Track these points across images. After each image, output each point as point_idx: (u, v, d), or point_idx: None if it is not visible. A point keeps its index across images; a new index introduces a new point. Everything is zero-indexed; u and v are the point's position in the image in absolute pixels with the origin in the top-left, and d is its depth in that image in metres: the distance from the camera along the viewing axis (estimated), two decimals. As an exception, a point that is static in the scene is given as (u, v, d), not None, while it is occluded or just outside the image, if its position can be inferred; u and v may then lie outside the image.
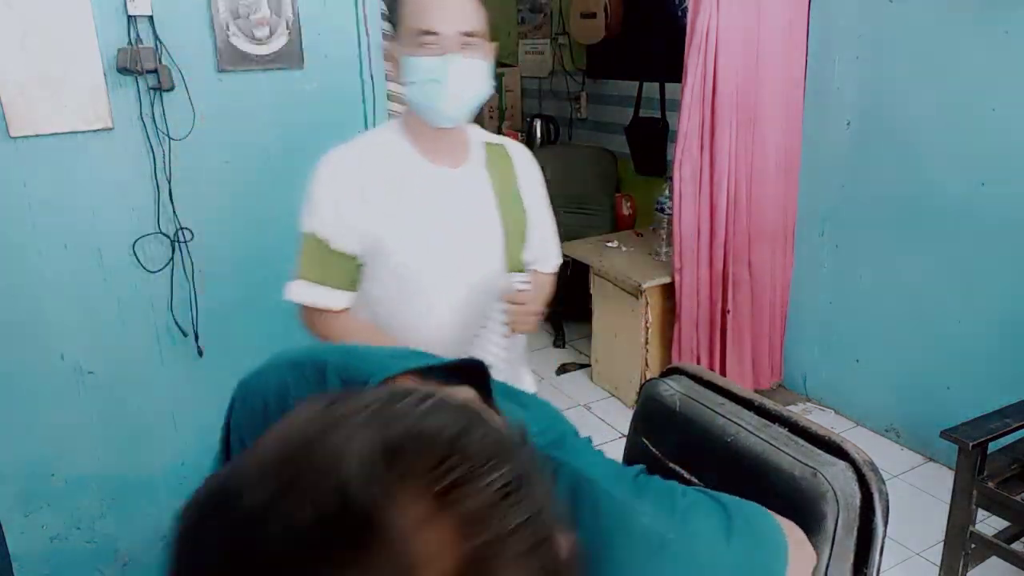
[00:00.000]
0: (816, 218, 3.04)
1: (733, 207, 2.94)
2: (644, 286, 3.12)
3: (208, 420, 2.22)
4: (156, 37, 1.89)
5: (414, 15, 1.31)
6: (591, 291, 3.51)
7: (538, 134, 4.70)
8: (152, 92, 1.92)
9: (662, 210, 3.36)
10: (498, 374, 0.67)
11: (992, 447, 1.97)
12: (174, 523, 0.37)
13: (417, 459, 0.34)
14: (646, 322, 3.18)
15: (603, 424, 3.27)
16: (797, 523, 0.83)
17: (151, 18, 1.87)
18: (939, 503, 2.34)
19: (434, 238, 1.38)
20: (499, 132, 5.04)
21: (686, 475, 1.23)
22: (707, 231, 2.97)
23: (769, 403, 1.23)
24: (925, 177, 2.62)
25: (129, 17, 1.85)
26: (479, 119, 5.97)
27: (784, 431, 1.15)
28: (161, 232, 2.02)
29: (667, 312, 3.19)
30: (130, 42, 1.87)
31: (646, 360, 3.23)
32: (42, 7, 1.77)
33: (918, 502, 2.56)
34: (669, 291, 3.14)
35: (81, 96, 1.85)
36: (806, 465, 1.06)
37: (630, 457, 1.42)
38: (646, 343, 3.21)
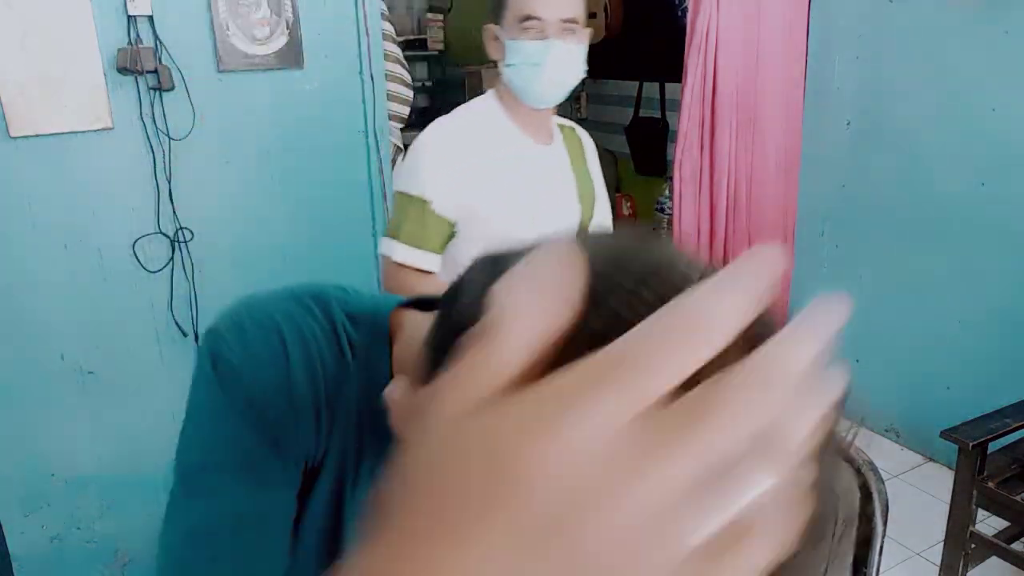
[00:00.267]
0: (816, 218, 3.04)
1: (733, 207, 2.94)
2: (644, 286, 3.11)
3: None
4: (156, 37, 1.89)
5: (519, 1, 1.38)
6: (591, 291, 3.50)
7: (538, 134, 4.70)
8: (152, 92, 1.92)
9: (662, 210, 3.36)
10: None
11: (992, 447, 1.97)
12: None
13: None
14: (646, 322, 3.18)
15: (603, 424, 3.26)
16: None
17: (151, 18, 1.87)
18: (939, 503, 2.34)
19: (528, 208, 1.46)
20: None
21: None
22: (707, 231, 2.97)
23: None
24: (925, 177, 2.62)
25: (129, 17, 1.85)
26: (479, 119, 5.81)
27: (784, 431, 1.15)
28: (161, 232, 2.02)
29: (667, 312, 3.19)
30: (130, 42, 1.87)
31: (646, 360, 3.22)
32: (42, 7, 1.77)
33: (918, 502, 2.56)
34: (669, 291, 3.14)
35: (81, 96, 1.85)
36: (806, 465, 1.05)
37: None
38: (646, 343, 3.21)
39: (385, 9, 2.60)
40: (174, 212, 2.01)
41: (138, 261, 2.01)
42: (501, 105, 1.49)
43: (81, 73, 1.84)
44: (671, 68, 3.21)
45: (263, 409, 0.49)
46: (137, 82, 1.91)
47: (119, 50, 1.86)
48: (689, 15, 2.78)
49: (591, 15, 4.96)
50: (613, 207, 5.13)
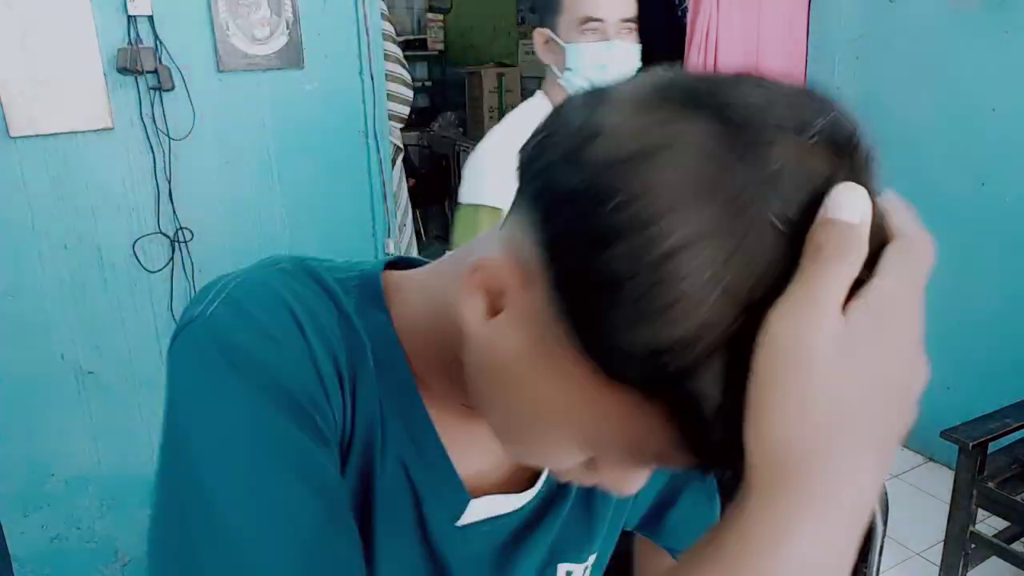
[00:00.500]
0: (816, 218, 3.04)
1: (733, 207, 2.94)
2: (644, 286, 3.11)
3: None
4: (156, 37, 1.89)
5: (578, 2, 1.37)
6: (591, 291, 3.50)
7: (538, 134, 4.69)
8: (152, 92, 1.92)
9: (662, 210, 3.36)
10: None
11: (992, 447, 1.97)
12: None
13: None
14: (646, 322, 3.18)
15: (603, 424, 3.27)
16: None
17: (151, 18, 1.87)
18: (939, 503, 2.33)
19: None
20: (499, 132, 5.06)
21: (686, 475, 1.23)
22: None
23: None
24: (925, 177, 2.62)
25: (129, 17, 1.85)
26: (479, 120, 5.98)
27: (784, 431, 1.15)
28: (161, 232, 2.02)
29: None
30: (130, 42, 1.87)
31: (646, 360, 3.23)
32: (42, 7, 1.77)
33: (918, 502, 2.56)
34: (669, 291, 3.14)
35: (81, 96, 1.85)
36: (806, 465, 1.05)
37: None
38: (646, 343, 3.21)
39: (385, 9, 2.60)
40: (174, 212, 2.01)
41: (138, 261, 2.01)
42: (552, 106, 1.47)
43: (81, 73, 1.84)
44: (671, 68, 3.20)
45: (298, 396, 0.43)
46: (137, 82, 1.91)
47: (119, 50, 1.86)
48: (689, 15, 2.78)
49: (591, 15, 4.92)
50: (613, 207, 5.18)
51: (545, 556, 0.56)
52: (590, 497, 0.58)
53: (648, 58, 4.59)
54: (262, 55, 2.03)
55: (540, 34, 1.46)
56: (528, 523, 0.55)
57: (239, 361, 0.43)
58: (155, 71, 1.90)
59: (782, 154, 0.31)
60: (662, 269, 0.30)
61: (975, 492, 1.94)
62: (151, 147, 1.96)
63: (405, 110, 3.19)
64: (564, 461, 0.42)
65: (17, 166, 1.83)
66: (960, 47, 2.46)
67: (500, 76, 5.13)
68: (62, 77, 1.82)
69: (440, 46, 5.88)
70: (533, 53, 5.68)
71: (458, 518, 0.51)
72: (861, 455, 0.31)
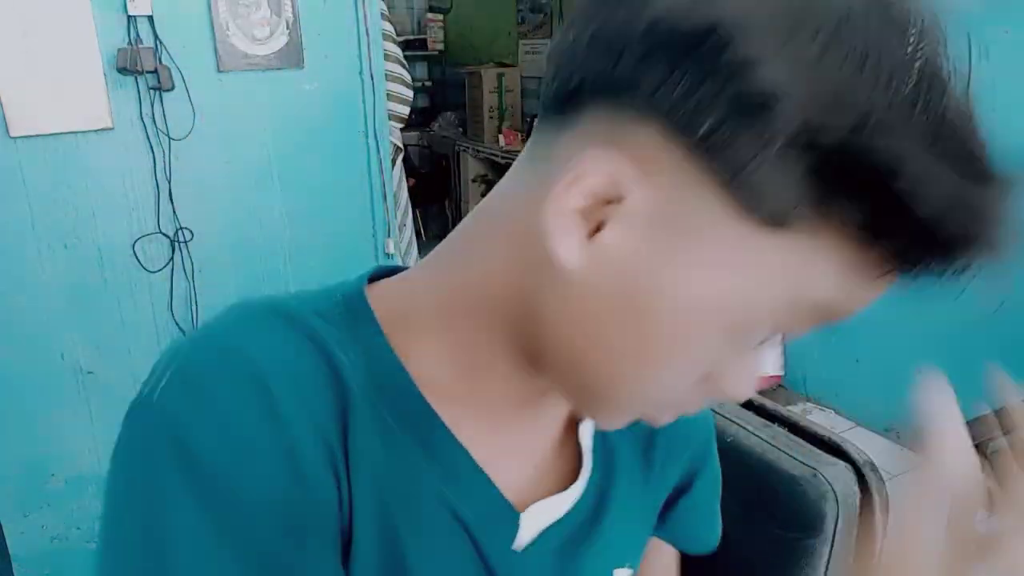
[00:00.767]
0: (816, 218, 3.05)
1: (733, 207, 2.95)
2: (644, 286, 3.12)
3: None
4: (156, 37, 1.89)
5: None
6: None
7: (538, 134, 4.70)
8: (152, 92, 1.92)
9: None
10: None
11: (992, 447, 1.97)
12: None
13: None
14: (646, 322, 3.18)
15: (603, 424, 3.27)
16: (797, 523, 0.84)
17: (151, 18, 1.87)
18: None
19: None
20: (499, 132, 5.06)
21: (686, 475, 1.23)
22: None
23: (769, 403, 1.23)
24: (925, 177, 2.62)
25: (129, 17, 1.85)
26: (479, 120, 5.98)
27: (784, 431, 1.15)
28: (161, 232, 2.02)
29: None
30: (130, 42, 1.87)
31: (646, 360, 3.23)
32: (42, 7, 1.77)
33: (918, 502, 2.56)
34: (669, 291, 3.14)
35: (81, 96, 1.85)
36: (806, 465, 1.05)
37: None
38: (646, 343, 3.21)
39: (385, 9, 2.60)
40: (174, 212, 2.01)
41: (138, 261, 2.01)
42: None
43: (81, 73, 1.84)
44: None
45: (273, 510, 0.35)
46: (137, 82, 1.91)
47: (119, 50, 1.86)
48: (689, 15, 2.78)
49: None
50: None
51: (602, 560, 0.53)
52: (636, 493, 0.55)
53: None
54: (262, 55, 2.03)
55: None
56: (581, 526, 0.50)
57: (196, 474, 0.35)
58: (155, 71, 1.90)
59: None
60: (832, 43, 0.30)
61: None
62: (151, 147, 1.96)
63: (405, 110, 3.19)
64: (683, 381, 0.38)
65: (17, 166, 1.83)
66: (960, 47, 2.46)
67: (500, 76, 5.13)
68: (62, 77, 1.82)
69: (440, 46, 5.88)
70: (533, 53, 5.74)
71: (513, 539, 0.46)
72: None
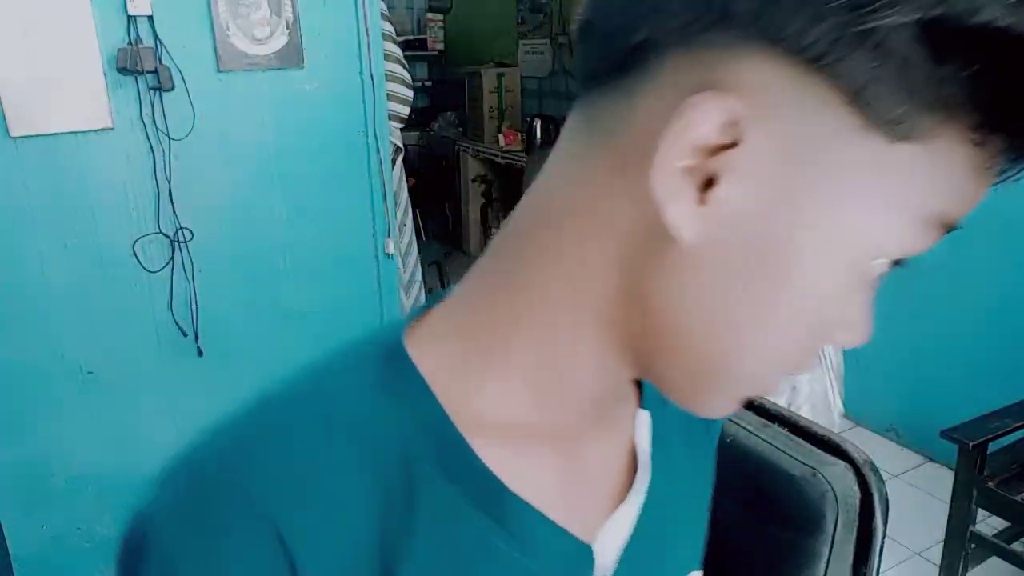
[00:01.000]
0: (816, 218, 3.04)
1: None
2: (644, 286, 3.11)
3: (208, 420, 2.23)
4: (156, 37, 1.89)
5: None
6: (591, 291, 3.50)
7: (538, 134, 4.70)
8: (152, 92, 1.92)
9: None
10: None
11: (992, 447, 1.97)
12: None
13: None
14: (646, 322, 3.18)
15: (603, 424, 3.27)
16: (797, 523, 0.84)
17: (151, 18, 1.87)
18: (939, 503, 2.33)
19: None
20: (499, 132, 5.06)
21: (686, 475, 1.23)
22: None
23: (769, 403, 1.23)
24: (925, 177, 2.62)
25: (129, 17, 1.85)
26: (479, 120, 5.96)
27: (784, 431, 1.15)
28: (161, 232, 2.02)
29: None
30: (130, 42, 1.87)
31: (646, 360, 3.22)
32: (42, 7, 1.77)
33: (918, 502, 2.56)
34: (669, 291, 3.14)
35: (81, 96, 1.85)
36: (806, 465, 1.05)
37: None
38: (646, 343, 3.21)
39: (385, 9, 2.59)
40: (174, 212, 2.01)
41: (138, 261, 2.01)
42: None
43: (81, 73, 1.84)
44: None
45: None
46: (137, 82, 1.91)
47: (119, 50, 1.86)
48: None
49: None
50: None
51: (676, 566, 0.51)
52: (690, 491, 0.53)
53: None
54: (262, 55, 2.03)
55: None
56: (650, 537, 0.47)
57: None
58: (155, 71, 1.89)
59: None
60: None
61: (975, 492, 1.94)
62: (151, 147, 1.96)
63: (405, 110, 3.19)
64: (810, 337, 0.36)
65: (17, 166, 1.83)
66: None
67: (500, 76, 5.13)
68: (62, 77, 1.82)
69: (440, 46, 5.88)
70: (533, 53, 5.74)
71: (591, 574, 0.43)
72: None
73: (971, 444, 1.89)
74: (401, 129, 3.27)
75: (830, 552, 0.85)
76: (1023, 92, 0.28)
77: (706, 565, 0.65)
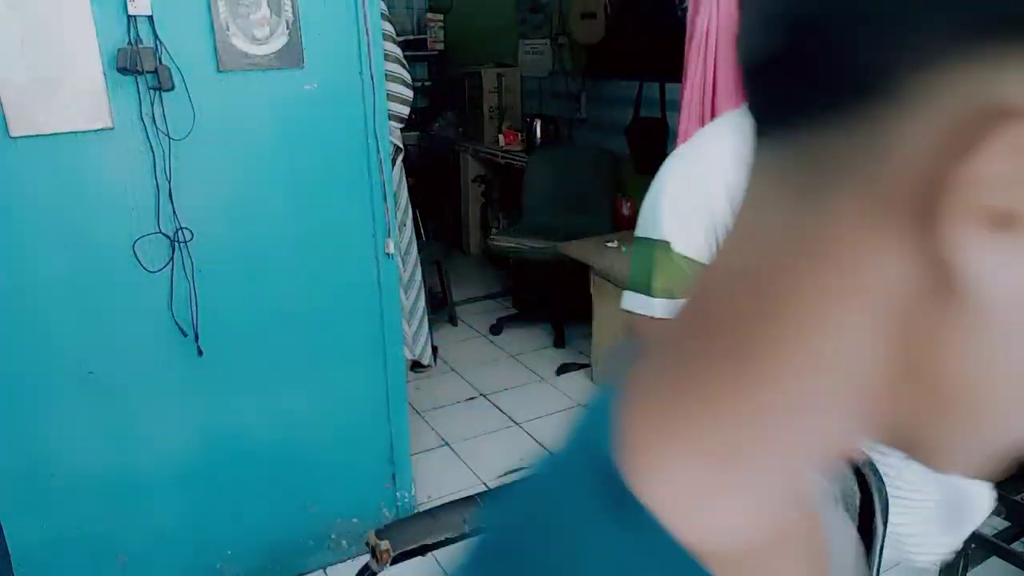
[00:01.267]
0: (816, 218, 3.04)
1: (733, 207, 2.94)
2: (644, 286, 3.11)
3: (208, 420, 2.23)
4: (156, 37, 1.89)
5: None
6: (591, 291, 3.51)
7: (538, 134, 4.71)
8: (152, 92, 1.92)
9: (662, 210, 3.35)
10: None
11: None
12: None
13: None
14: (646, 322, 3.18)
15: (603, 424, 3.27)
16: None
17: (151, 18, 1.87)
18: (939, 503, 2.33)
19: None
20: (499, 132, 5.06)
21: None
22: (707, 231, 2.97)
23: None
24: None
25: (129, 17, 1.85)
26: (479, 120, 5.95)
27: (784, 431, 1.15)
28: (161, 232, 2.02)
29: (667, 312, 3.19)
30: (130, 42, 1.87)
31: (646, 360, 3.22)
32: (42, 7, 1.77)
33: (918, 502, 2.56)
34: (669, 291, 3.14)
35: (81, 96, 1.85)
36: (806, 465, 1.05)
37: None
38: (646, 343, 3.21)
39: (385, 9, 2.60)
40: (174, 212, 2.01)
41: (138, 261, 2.01)
42: None
43: (81, 73, 1.84)
44: (671, 68, 3.21)
45: None
46: (137, 82, 1.91)
47: (119, 50, 1.86)
48: (689, 15, 2.78)
49: (591, 15, 4.94)
50: (613, 207, 5.09)
51: None
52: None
53: (648, 58, 4.56)
54: (262, 55, 2.03)
55: None
56: None
57: None
58: (155, 71, 1.90)
59: None
60: None
61: (975, 492, 1.94)
62: (151, 147, 1.96)
63: (405, 110, 3.19)
64: None
65: (17, 166, 1.83)
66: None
67: (500, 76, 5.13)
68: (62, 77, 1.82)
69: (440, 46, 5.88)
70: (533, 53, 5.71)
71: None
72: None
73: (971, 444, 1.89)
74: (401, 129, 3.27)
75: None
76: None
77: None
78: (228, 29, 1.97)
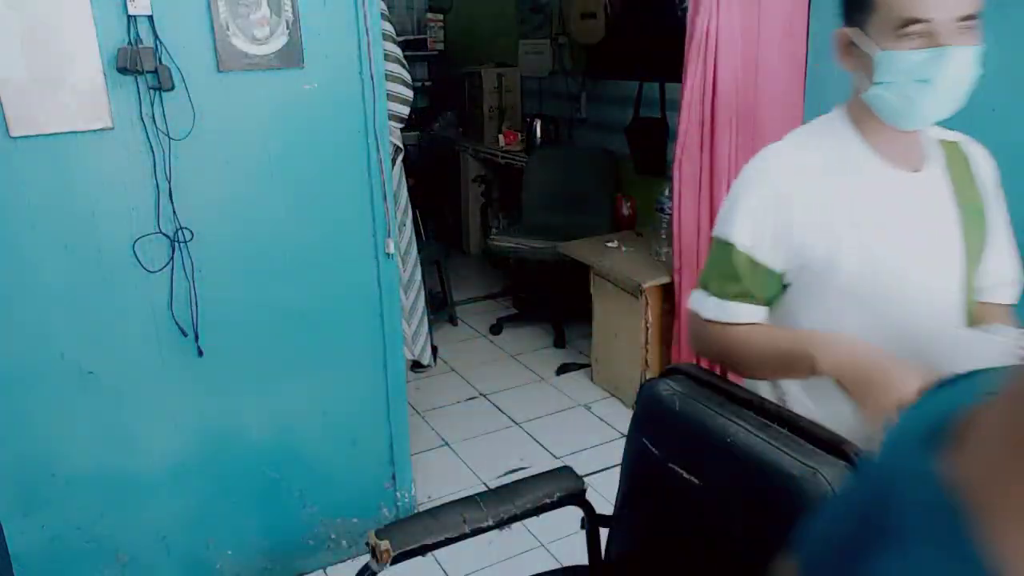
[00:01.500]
0: (816, 218, 3.04)
1: (733, 207, 2.94)
2: (644, 286, 3.12)
3: (208, 420, 2.23)
4: (156, 37, 1.89)
5: (897, 1, 1.07)
6: (591, 291, 3.51)
7: (538, 134, 4.71)
8: (152, 92, 1.92)
9: (662, 210, 3.36)
10: None
11: None
12: None
13: None
14: (646, 322, 3.18)
15: (603, 424, 3.27)
16: (797, 523, 0.84)
17: (151, 18, 1.88)
18: (939, 503, 2.33)
19: (883, 257, 1.16)
20: (499, 132, 5.06)
21: (685, 475, 1.23)
22: (707, 231, 2.97)
23: (769, 403, 1.23)
24: (925, 177, 2.62)
25: (129, 17, 1.85)
26: (479, 120, 5.96)
27: (784, 431, 1.15)
28: (161, 232, 2.02)
29: (667, 312, 3.19)
30: (130, 42, 1.87)
31: (646, 360, 3.23)
32: (42, 7, 1.77)
33: (918, 502, 2.56)
34: (669, 291, 3.14)
35: (81, 96, 1.85)
36: (806, 465, 1.06)
37: (630, 457, 1.42)
38: (646, 343, 3.21)
39: (385, 9, 2.60)
40: (174, 212, 2.01)
41: (138, 261, 2.01)
42: (856, 123, 1.24)
43: (81, 73, 1.84)
44: (671, 68, 3.21)
45: None
46: (137, 82, 1.91)
47: (119, 50, 1.86)
48: (689, 15, 2.78)
49: (591, 15, 4.94)
50: (613, 207, 5.09)
51: None
52: None
53: (648, 58, 4.57)
54: (262, 55, 2.03)
55: (840, 35, 1.20)
56: None
57: None
58: (155, 71, 1.90)
59: None
60: None
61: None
62: (151, 147, 1.96)
63: (405, 110, 3.19)
64: None
65: (17, 166, 1.83)
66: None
67: (500, 76, 5.13)
68: (62, 77, 1.83)
69: (440, 46, 5.89)
70: (533, 53, 5.69)
71: None
72: None
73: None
74: (401, 129, 3.27)
75: (830, 552, 0.84)
76: None
77: (706, 565, 0.65)
78: (228, 29, 1.97)
